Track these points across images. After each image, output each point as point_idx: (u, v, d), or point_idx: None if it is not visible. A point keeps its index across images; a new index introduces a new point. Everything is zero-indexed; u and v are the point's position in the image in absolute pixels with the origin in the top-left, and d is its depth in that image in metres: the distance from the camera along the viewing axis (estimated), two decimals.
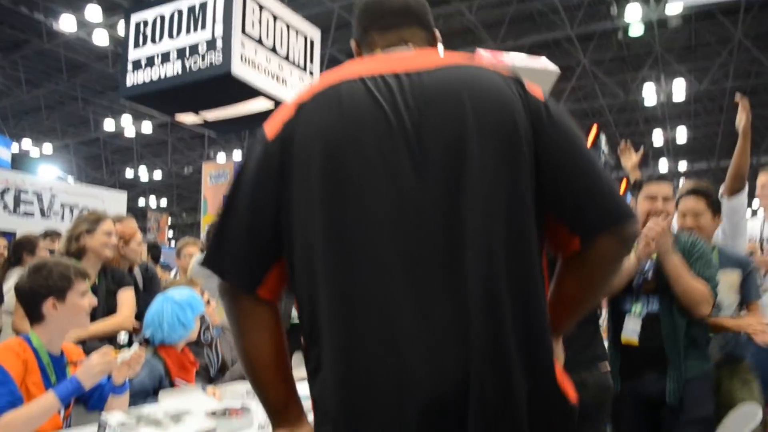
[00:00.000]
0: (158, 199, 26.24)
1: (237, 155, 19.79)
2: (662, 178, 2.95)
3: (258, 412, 2.12)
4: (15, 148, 17.38)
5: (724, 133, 17.33)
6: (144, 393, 2.58)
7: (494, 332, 1.00)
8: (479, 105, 1.08)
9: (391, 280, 1.02)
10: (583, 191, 1.09)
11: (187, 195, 25.98)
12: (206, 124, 7.33)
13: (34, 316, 2.21)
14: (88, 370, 2.12)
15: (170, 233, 25.90)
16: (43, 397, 2.05)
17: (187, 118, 7.01)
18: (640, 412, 2.53)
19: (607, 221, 1.09)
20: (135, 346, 2.32)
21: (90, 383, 2.12)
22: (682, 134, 18.11)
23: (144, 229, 21.86)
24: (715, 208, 2.92)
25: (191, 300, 2.85)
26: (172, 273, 6.22)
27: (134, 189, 24.87)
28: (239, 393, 2.60)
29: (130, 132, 18.61)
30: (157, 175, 22.94)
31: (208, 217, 8.78)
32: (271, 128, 1.14)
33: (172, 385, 2.67)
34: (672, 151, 20.16)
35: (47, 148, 19.87)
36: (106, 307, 3.13)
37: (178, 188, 25.43)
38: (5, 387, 1.99)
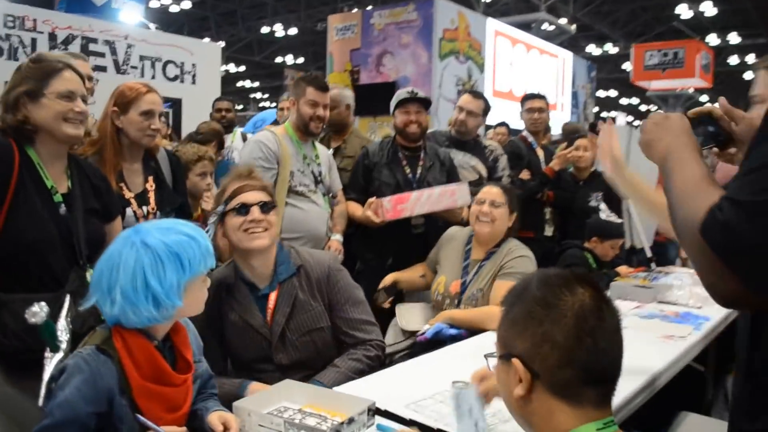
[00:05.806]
0: (295, 57, 25.96)
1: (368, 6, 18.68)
2: None
3: None
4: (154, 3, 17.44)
5: None
6: (73, 425, 1.27)
7: None
8: None
9: None
10: None
11: (323, 52, 25.50)
12: None
13: None
14: None
15: None
16: None
17: None
18: None
19: None
20: None
21: None
22: None
23: (281, 88, 21.87)
24: None
25: (182, 243, 1.36)
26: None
27: (270, 46, 24.74)
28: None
29: None
30: (292, 31, 22.49)
31: (333, 75, 8.14)
32: None
33: (134, 407, 1.33)
34: None
35: (185, 4, 19.82)
36: (86, 235, 1.83)
37: (313, 45, 24.91)
38: None
